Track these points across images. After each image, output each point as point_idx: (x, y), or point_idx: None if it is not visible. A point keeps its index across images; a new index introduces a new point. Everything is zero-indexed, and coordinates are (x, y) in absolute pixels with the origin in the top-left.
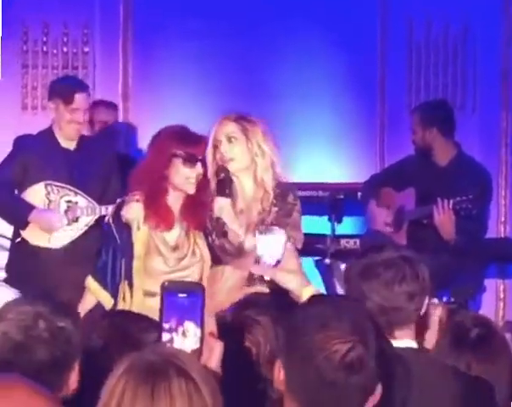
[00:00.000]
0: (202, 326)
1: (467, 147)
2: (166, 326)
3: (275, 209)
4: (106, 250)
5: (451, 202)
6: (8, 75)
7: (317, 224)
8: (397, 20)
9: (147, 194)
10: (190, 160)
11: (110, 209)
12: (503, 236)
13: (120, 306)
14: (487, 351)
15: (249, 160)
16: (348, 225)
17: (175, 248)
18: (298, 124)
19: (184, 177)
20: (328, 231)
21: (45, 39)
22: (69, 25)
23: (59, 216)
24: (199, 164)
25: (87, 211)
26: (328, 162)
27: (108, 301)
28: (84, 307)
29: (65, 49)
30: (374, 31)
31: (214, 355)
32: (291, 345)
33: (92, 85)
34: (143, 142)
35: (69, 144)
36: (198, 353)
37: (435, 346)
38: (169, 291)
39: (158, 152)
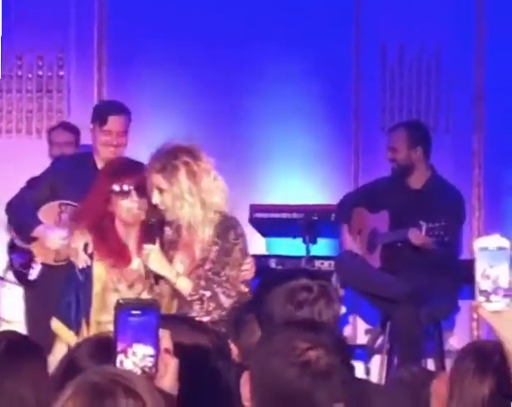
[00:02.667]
0: (156, 344)
1: (440, 169)
2: (119, 347)
3: (216, 247)
4: (69, 289)
5: (424, 229)
6: None
7: (292, 246)
8: (371, 45)
9: (96, 234)
10: (124, 192)
11: None
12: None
13: (77, 341)
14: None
15: (178, 208)
16: (323, 247)
17: (131, 286)
18: (273, 146)
19: (125, 210)
20: (303, 253)
21: (19, 63)
22: (44, 49)
23: (61, 235)
24: (134, 194)
25: None
26: (303, 184)
27: (72, 340)
28: (55, 357)
29: (40, 73)
30: (348, 56)
31: (170, 372)
32: (258, 355)
33: (67, 108)
34: None
35: None
36: (153, 371)
37: (450, 374)
38: (123, 309)
39: (97, 190)
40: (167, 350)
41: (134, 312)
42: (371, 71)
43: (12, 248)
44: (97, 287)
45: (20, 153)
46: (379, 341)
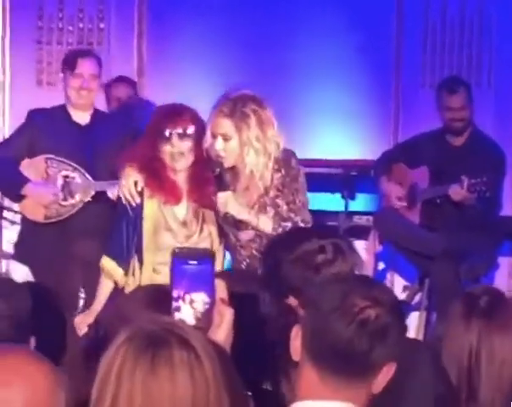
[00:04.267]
0: (212, 293)
1: (482, 124)
2: (175, 293)
3: (279, 174)
4: (119, 226)
5: (465, 184)
6: (23, 52)
7: (330, 201)
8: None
9: (147, 172)
10: (167, 138)
11: (105, 186)
12: None
13: (130, 281)
14: (499, 321)
15: (244, 155)
16: (361, 202)
17: (184, 224)
18: (313, 100)
19: (168, 154)
20: (341, 208)
21: (60, 15)
22: (85, 1)
23: (54, 190)
24: (177, 140)
25: (83, 187)
26: (341, 139)
27: (121, 279)
28: (103, 293)
29: (81, 25)
30: (390, 10)
31: (225, 321)
32: (314, 311)
33: (107, 61)
34: None
35: (80, 118)
36: (207, 320)
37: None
38: (179, 258)
39: (147, 133)
40: (223, 300)
41: (190, 261)
42: (413, 26)
43: None
44: (148, 226)
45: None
46: (417, 298)
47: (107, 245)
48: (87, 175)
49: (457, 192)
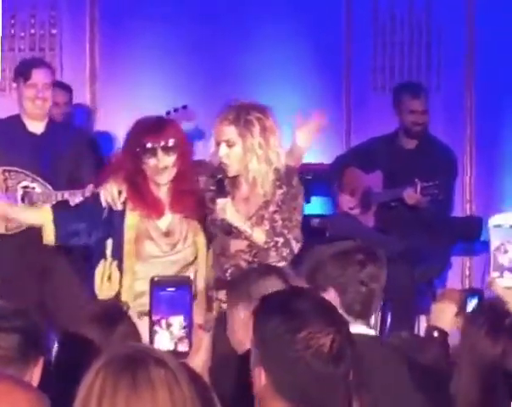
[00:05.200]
0: (189, 317)
1: (432, 126)
2: (153, 318)
3: (280, 191)
4: (86, 211)
5: (418, 188)
6: None
7: None
8: (362, 2)
9: (129, 186)
10: (151, 151)
11: (66, 195)
12: (468, 214)
13: (104, 287)
14: None
15: (247, 161)
16: (316, 206)
17: (167, 234)
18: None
19: (152, 168)
20: None
21: (12, 21)
22: (37, 7)
23: (14, 202)
24: (162, 154)
25: (43, 197)
26: None
27: (50, 238)
28: (24, 214)
29: (32, 31)
30: (339, 13)
31: (203, 346)
32: (273, 349)
33: (60, 67)
34: (110, 124)
35: (36, 128)
36: (186, 344)
37: (462, 332)
38: (158, 285)
39: (128, 146)
40: (200, 326)
41: (168, 288)
42: (363, 28)
43: None
44: (129, 235)
45: (14, 110)
46: None
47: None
48: (47, 185)
49: (411, 195)
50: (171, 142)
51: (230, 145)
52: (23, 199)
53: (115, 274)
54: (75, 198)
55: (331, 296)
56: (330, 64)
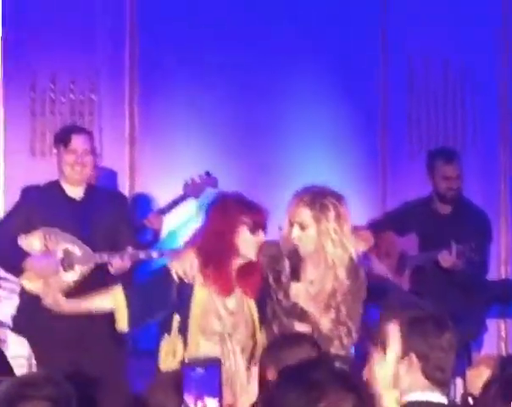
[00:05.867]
0: (220, 397)
1: (466, 185)
2: (186, 399)
3: (348, 282)
4: (158, 290)
5: (454, 250)
6: (17, 122)
7: None
8: (398, 62)
9: (210, 259)
10: (256, 228)
11: (106, 257)
12: (504, 276)
13: (168, 361)
14: None
15: (319, 245)
16: None
17: (232, 314)
18: (301, 168)
19: (251, 245)
20: None
21: (52, 86)
22: (77, 73)
23: (54, 263)
24: (262, 232)
25: (83, 259)
26: None
27: (123, 325)
28: (95, 304)
29: (72, 97)
30: (376, 81)
31: None
32: None
33: (99, 131)
34: (149, 187)
35: (75, 193)
36: None
37: (481, 394)
38: (188, 366)
39: (226, 219)
40: (230, 406)
41: (197, 369)
42: (399, 88)
43: None
44: (196, 310)
45: (54, 174)
46: None
47: (127, 284)
48: (87, 248)
49: (446, 258)
50: (263, 223)
51: (303, 227)
52: (63, 262)
53: (180, 348)
54: (114, 261)
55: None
56: (366, 128)
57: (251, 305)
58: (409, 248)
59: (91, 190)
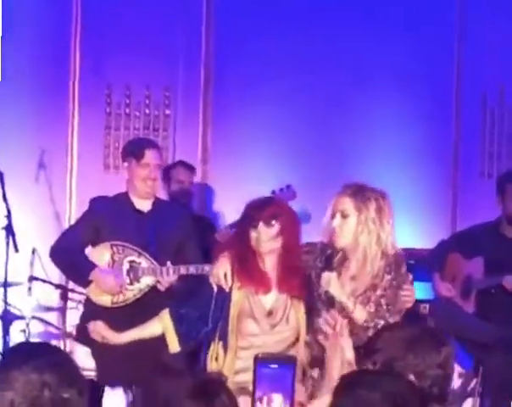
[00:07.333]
0: (290, 396)
1: None
2: (256, 395)
3: (389, 276)
4: (196, 304)
5: None
6: (91, 136)
7: None
8: (472, 90)
9: (239, 260)
10: (253, 225)
11: (171, 270)
12: None
13: (213, 366)
14: None
15: (358, 233)
16: (419, 291)
17: (270, 314)
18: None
19: (254, 240)
20: None
21: (127, 101)
22: (152, 88)
23: (120, 279)
24: (263, 227)
25: (149, 272)
26: (399, 226)
27: (174, 346)
28: (146, 331)
29: (147, 111)
30: (449, 101)
31: None
32: None
33: (172, 147)
34: (221, 204)
35: (143, 206)
36: None
37: None
38: (261, 362)
39: (242, 221)
40: (302, 404)
41: (271, 365)
42: (471, 116)
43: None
44: (233, 312)
45: (117, 188)
46: (472, 384)
47: (174, 307)
48: (153, 260)
49: (511, 282)
50: (272, 215)
51: (344, 216)
52: (128, 273)
53: (221, 353)
54: (180, 273)
55: None
56: (438, 151)
57: (296, 308)
58: (475, 272)
59: (158, 203)
